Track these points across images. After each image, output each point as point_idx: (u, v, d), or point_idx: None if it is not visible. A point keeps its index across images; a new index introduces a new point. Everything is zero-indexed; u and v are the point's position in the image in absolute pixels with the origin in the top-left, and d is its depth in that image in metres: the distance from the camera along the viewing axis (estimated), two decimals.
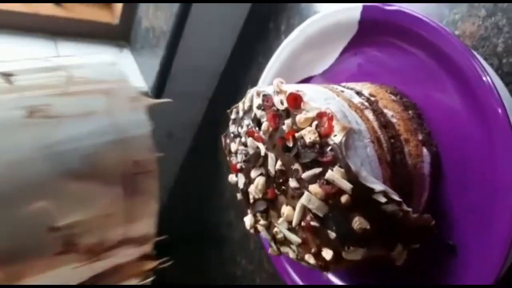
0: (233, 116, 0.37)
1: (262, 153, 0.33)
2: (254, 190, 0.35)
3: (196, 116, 0.85)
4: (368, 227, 0.28)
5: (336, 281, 0.41)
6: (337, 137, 0.28)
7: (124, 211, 0.22)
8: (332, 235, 0.29)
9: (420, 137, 0.32)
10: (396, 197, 0.28)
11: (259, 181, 0.34)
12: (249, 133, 0.35)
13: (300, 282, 0.43)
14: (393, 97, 0.34)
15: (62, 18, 0.74)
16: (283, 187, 0.32)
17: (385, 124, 0.32)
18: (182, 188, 0.95)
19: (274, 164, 0.32)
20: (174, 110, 0.82)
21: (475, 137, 0.30)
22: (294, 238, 0.32)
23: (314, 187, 0.29)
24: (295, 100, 0.30)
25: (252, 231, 0.37)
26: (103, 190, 0.21)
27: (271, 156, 0.32)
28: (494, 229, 0.30)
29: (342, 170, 0.27)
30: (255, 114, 0.34)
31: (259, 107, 0.33)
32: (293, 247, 0.33)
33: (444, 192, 0.33)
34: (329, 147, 0.28)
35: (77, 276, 0.23)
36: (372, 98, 0.33)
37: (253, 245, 0.71)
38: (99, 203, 0.21)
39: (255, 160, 0.34)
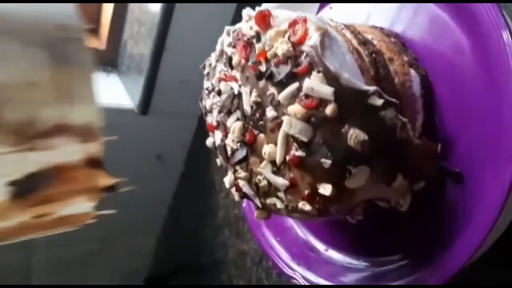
0: (206, 71, 0.35)
1: (236, 92, 0.30)
2: (231, 140, 0.31)
3: (185, 137, 0.82)
4: (366, 137, 0.24)
5: (335, 255, 0.36)
6: (311, 39, 0.25)
7: (54, 82, 0.19)
8: (326, 163, 0.25)
9: (405, 58, 0.29)
10: (391, 99, 0.25)
11: (236, 125, 0.30)
12: (221, 79, 0.32)
13: (292, 264, 0.38)
14: (373, 29, 0.32)
15: None
16: (261, 123, 0.28)
17: (364, 42, 0.29)
18: (176, 218, 0.90)
19: (249, 99, 0.29)
20: (162, 130, 0.80)
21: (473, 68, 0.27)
22: (280, 181, 0.28)
23: (293, 108, 0.26)
24: (264, 18, 0.27)
25: (234, 192, 0.32)
26: (23, 51, 0.18)
27: (245, 91, 0.29)
28: (500, 157, 0.26)
29: (320, 74, 0.24)
30: (226, 54, 0.31)
31: (229, 45, 0.31)
32: (281, 195, 0.28)
33: (441, 120, 0.29)
34: (304, 54, 0.25)
35: (7, 171, 0.18)
36: (349, 24, 0.31)
37: (250, 262, 0.65)
38: (20, 65, 0.18)
39: (230, 103, 0.31)
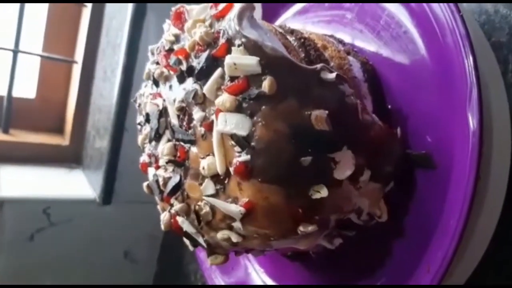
0: (137, 103, 0.31)
1: (161, 107, 0.26)
2: (163, 168, 0.26)
3: (154, 226, 0.74)
4: (325, 114, 0.19)
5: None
6: (230, 13, 0.21)
7: None
8: (306, 160, 0.20)
9: (341, 47, 0.26)
10: (342, 75, 0.21)
11: (165, 147, 0.25)
12: (150, 98, 0.27)
13: None
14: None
15: (9, 142, 0.72)
16: (190, 132, 0.23)
17: (292, 31, 0.25)
18: None
19: (174, 109, 0.24)
20: (127, 220, 0.72)
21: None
22: (234, 208, 0.21)
23: (220, 99, 0.21)
24: (179, 16, 0.24)
25: (173, 231, 0.26)
26: None
27: (169, 102, 0.25)
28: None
29: (241, 47, 0.20)
30: (151, 73, 0.27)
31: (153, 63, 0.27)
32: (236, 224, 0.22)
33: (393, 106, 0.25)
34: (221, 33, 0.21)
35: None
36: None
37: None
38: None
39: (157, 124, 0.26)
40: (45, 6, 0.70)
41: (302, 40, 0.24)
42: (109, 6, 0.70)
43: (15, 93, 0.73)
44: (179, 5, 0.25)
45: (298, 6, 0.32)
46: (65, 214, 0.66)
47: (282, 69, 0.20)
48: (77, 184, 0.71)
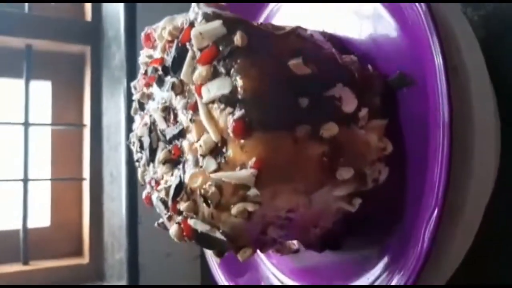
0: (132, 143, 0.31)
1: (149, 122, 0.26)
2: (163, 181, 0.25)
3: None
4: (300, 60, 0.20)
5: None
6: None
7: None
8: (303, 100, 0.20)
9: None
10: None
11: (160, 155, 0.25)
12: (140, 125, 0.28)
13: None
14: None
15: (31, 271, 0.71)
16: (177, 125, 0.24)
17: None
18: None
19: (159, 114, 0.25)
20: None
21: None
22: (243, 172, 0.20)
23: (196, 73, 0.21)
24: (148, 37, 0.26)
25: (184, 239, 0.24)
26: None
27: (153, 110, 0.25)
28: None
29: (203, 21, 0.21)
30: (136, 105, 0.29)
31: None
32: (251, 192, 0.20)
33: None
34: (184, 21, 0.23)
35: None
36: None
37: None
38: None
39: (149, 139, 0.26)
40: (48, 131, 0.75)
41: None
42: (105, 121, 0.75)
43: (30, 224, 0.74)
44: (148, 30, 0.27)
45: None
46: None
47: (247, 26, 0.21)
48: None
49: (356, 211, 0.24)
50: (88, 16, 0.79)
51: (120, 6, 0.69)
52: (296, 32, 0.22)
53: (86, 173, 0.77)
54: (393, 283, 0.22)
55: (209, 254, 0.25)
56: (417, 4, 0.21)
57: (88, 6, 0.79)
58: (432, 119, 0.19)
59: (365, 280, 0.24)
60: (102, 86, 0.75)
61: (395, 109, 0.22)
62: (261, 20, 0.32)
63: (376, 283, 0.23)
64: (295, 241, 0.29)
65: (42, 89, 0.76)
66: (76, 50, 0.79)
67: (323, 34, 0.26)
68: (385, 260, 0.22)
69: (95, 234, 0.75)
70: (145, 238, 0.63)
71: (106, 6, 0.76)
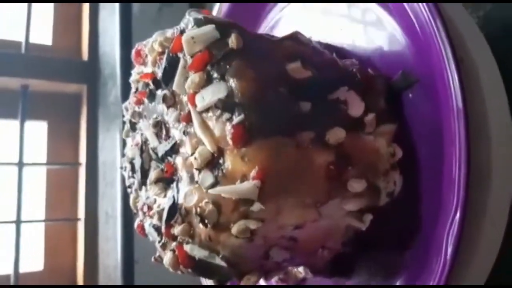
0: (123, 168, 0.29)
1: (140, 141, 0.25)
2: (155, 205, 0.23)
3: None
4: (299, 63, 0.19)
5: None
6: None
7: None
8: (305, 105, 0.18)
9: None
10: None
11: (152, 175, 0.23)
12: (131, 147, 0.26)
13: None
14: None
15: None
16: (169, 140, 0.22)
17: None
18: None
19: (151, 131, 0.23)
20: None
21: None
22: (246, 185, 0.18)
23: (188, 81, 0.20)
24: (138, 53, 0.25)
25: (181, 270, 0.22)
26: None
27: (145, 127, 0.24)
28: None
29: (194, 26, 0.20)
30: (127, 126, 0.27)
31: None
32: (255, 208, 0.18)
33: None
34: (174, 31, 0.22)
35: None
36: None
37: None
38: None
39: (140, 159, 0.25)
40: (43, 172, 0.73)
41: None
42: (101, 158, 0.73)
43: (22, 268, 0.70)
44: (138, 46, 0.26)
45: None
46: None
47: (241, 30, 0.20)
48: None
49: (367, 228, 0.21)
50: (85, 55, 0.79)
51: (116, 44, 0.69)
52: (293, 37, 0.21)
53: (81, 213, 0.75)
54: None
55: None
56: (420, 4, 0.20)
57: (85, 46, 0.79)
58: (444, 114, 0.18)
59: None
60: (98, 123, 0.74)
61: (401, 112, 0.21)
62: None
63: None
64: (301, 269, 0.26)
65: (38, 129, 0.75)
66: (72, 90, 0.79)
67: (319, 43, 0.25)
68: (406, 275, 0.20)
69: (89, 277, 0.71)
70: (141, 277, 0.60)
71: (102, 45, 0.77)
